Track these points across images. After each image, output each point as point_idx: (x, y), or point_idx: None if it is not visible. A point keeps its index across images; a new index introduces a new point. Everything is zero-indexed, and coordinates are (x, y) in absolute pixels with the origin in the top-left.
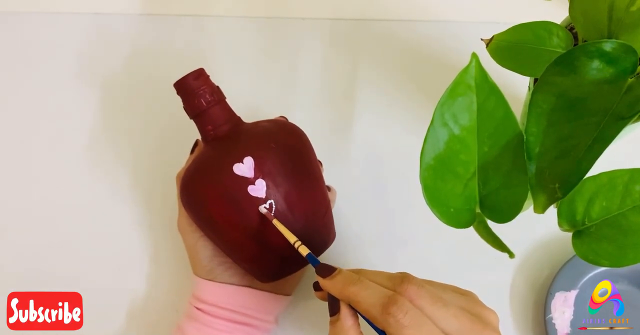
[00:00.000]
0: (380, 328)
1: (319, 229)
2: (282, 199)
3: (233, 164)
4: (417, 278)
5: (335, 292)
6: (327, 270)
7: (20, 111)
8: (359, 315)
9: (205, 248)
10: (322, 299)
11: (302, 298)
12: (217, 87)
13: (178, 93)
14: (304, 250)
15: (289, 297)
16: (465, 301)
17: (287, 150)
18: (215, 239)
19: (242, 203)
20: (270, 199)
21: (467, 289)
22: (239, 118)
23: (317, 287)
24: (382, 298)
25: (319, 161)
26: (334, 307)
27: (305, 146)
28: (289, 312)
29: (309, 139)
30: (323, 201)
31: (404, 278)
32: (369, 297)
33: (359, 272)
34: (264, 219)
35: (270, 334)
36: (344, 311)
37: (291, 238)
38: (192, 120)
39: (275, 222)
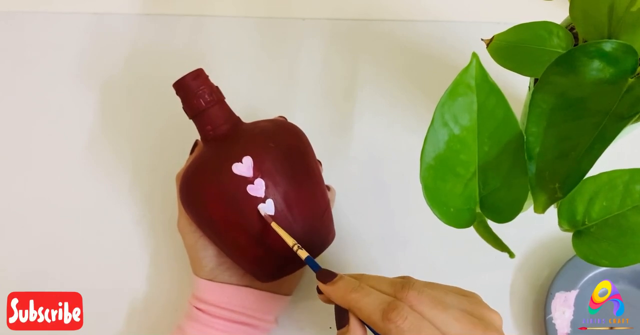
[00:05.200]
0: None
1: (318, 229)
2: (281, 199)
3: (232, 164)
4: (418, 282)
5: (336, 299)
6: (327, 276)
7: (19, 111)
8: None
9: (205, 248)
10: (326, 302)
11: (302, 298)
12: (216, 87)
13: (177, 93)
14: (302, 254)
15: (288, 297)
16: (467, 303)
17: (286, 149)
18: (214, 238)
19: (241, 203)
20: (269, 199)
21: (470, 291)
22: (238, 118)
23: (320, 291)
24: (382, 304)
25: (319, 161)
26: (343, 319)
27: (304, 145)
28: (289, 312)
29: (308, 139)
30: (322, 200)
31: (404, 284)
32: (369, 304)
33: (360, 278)
34: (263, 219)
35: (270, 334)
36: (354, 324)
37: (289, 241)
38: (191, 120)
39: (274, 225)
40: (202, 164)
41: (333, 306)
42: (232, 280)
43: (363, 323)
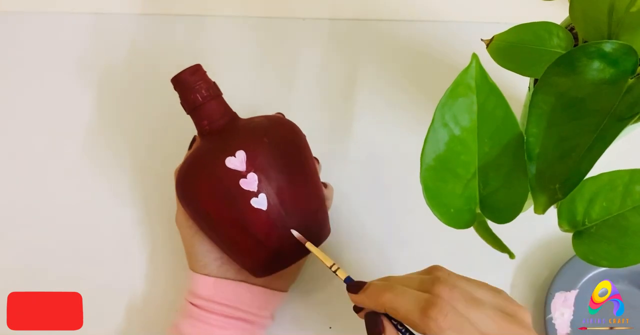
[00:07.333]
0: (420, 333)
1: (311, 224)
2: (274, 193)
3: (225, 158)
4: (448, 276)
5: (370, 304)
6: (357, 286)
7: (19, 111)
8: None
9: (200, 243)
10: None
11: (299, 294)
12: (214, 82)
13: (175, 88)
14: (342, 274)
15: (284, 293)
16: (499, 299)
17: (280, 144)
18: (209, 232)
19: (234, 196)
20: (262, 193)
21: (497, 287)
22: (235, 113)
23: (357, 308)
24: (420, 302)
25: (315, 158)
26: (376, 325)
27: (300, 141)
28: (286, 309)
29: (304, 135)
30: (317, 196)
31: (435, 280)
32: (406, 303)
33: (387, 280)
34: (257, 213)
35: (267, 330)
36: (389, 329)
37: (328, 262)
38: (189, 116)
39: (308, 244)
40: (197, 157)
41: (331, 304)
42: (227, 275)
43: (398, 330)
